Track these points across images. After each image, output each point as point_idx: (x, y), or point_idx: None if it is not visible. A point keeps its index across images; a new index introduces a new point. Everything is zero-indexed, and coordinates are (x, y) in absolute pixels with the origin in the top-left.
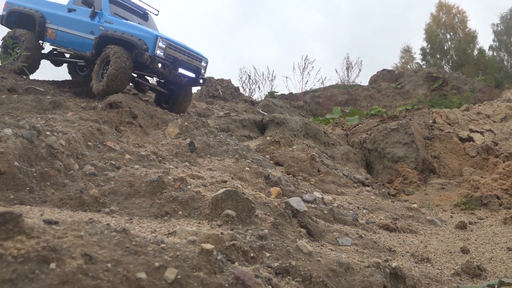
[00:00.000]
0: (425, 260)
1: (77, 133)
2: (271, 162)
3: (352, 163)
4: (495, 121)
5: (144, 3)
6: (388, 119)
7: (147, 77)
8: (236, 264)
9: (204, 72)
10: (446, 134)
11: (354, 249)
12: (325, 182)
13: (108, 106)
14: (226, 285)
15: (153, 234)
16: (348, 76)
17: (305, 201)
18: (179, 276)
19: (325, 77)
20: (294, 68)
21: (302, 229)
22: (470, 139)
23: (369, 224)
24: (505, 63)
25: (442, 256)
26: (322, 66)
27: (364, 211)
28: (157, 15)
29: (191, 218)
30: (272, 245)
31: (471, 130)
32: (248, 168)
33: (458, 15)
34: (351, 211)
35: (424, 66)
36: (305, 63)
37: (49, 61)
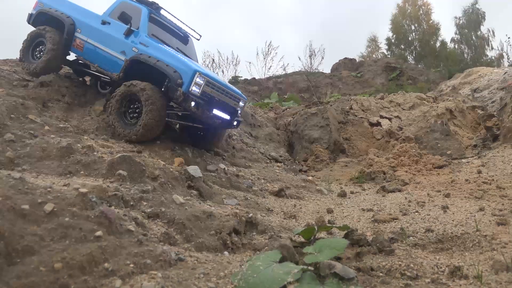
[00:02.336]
0: (292, 217)
1: (1, 106)
2: None
3: (274, 143)
4: (404, 109)
5: (188, 26)
6: (313, 104)
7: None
8: (113, 207)
9: (241, 113)
10: (359, 119)
11: (234, 207)
12: (236, 157)
13: (39, 84)
14: (92, 216)
15: (49, 184)
16: (311, 63)
17: (207, 170)
18: (55, 209)
19: (288, 64)
20: (257, 53)
21: (193, 191)
22: (378, 124)
23: (262, 191)
24: (465, 55)
25: (308, 215)
26: (292, 52)
27: (263, 181)
28: (199, 40)
29: (90, 176)
30: (151, 197)
31: (381, 116)
32: (159, 142)
33: (423, 7)
34: (250, 181)
35: (389, 56)
36: (268, 49)
37: (71, 69)
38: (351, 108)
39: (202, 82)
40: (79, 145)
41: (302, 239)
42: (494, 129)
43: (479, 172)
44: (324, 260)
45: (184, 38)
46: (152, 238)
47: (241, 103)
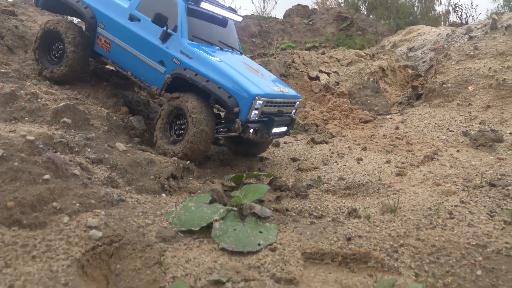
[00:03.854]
0: (227, 165)
1: None
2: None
3: None
4: (342, 65)
5: (230, 10)
6: (257, 56)
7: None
8: (59, 153)
9: (295, 113)
10: (300, 72)
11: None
12: None
13: None
14: (40, 161)
15: None
16: (264, 7)
17: (150, 118)
18: (5, 154)
19: (240, 7)
20: None
21: (136, 138)
22: (317, 78)
23: None
24: (415, 9)
25: (242, 163)
26: None
27: None
28: (240, 22)
29: (35, 123)
30: (95, 144)
31: (321, 71)
32: (102, 90)
33: None
34: None
35: (343, 5)
36: None
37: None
38: (293, 62)
39: (261, 103)
40: (22, 91)
41: (233, 184)
42: (419, 89)
43: (397, 128)
44: (247, 202)
45: (223, 21)
46: (96, 181)
47: (297, 104)
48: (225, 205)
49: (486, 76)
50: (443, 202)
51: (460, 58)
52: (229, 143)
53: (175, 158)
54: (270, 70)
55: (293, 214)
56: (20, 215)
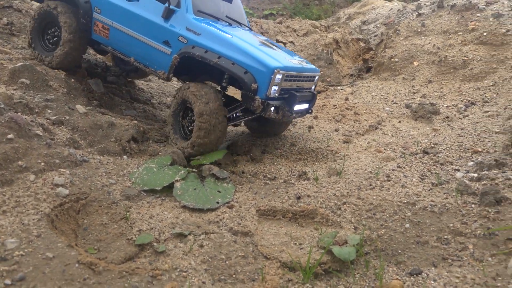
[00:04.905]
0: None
1: None
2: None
3: None
4: (298, 35)
5: None
6: None
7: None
8: (20, 113)
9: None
10: None
11: (133, 118)
12: None
13: None
14: (3, 121)
15: None
16: None
17: (108, 82)
18: None
19: None
20: None
21: (95, 101)
22: None
23: (160, 104)
24: None
25: None
26: None
27: (163, 95)
28: None
29: None
30: (55, 105)
31: (277, 40)
32: None
33: None
34: (149, 94)
35: None
36: None
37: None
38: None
39: (280, 78)
40: None
41: None
42: (369, 62)
43: (347, 99)
44: (206, 164)
45: None
46: (59, 142)
47: (316, 79)
48: (185, 167)
49: (430, 52)
50: (382, 167)
51: (408, 34)
52: (249, 123)
53: (135, 122)
54: None
55: (249, 176)
56: None
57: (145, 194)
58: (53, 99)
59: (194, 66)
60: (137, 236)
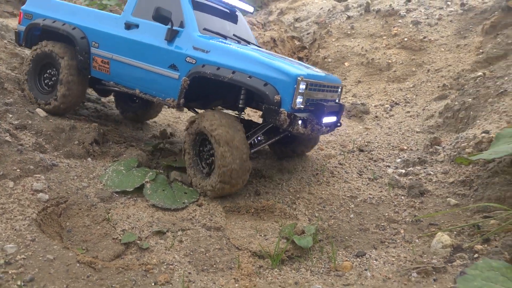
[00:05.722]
0: (139, 129)
1: None
2: None
3: None
4: None
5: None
6: None
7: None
8: None
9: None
10: None
11: (87, 118)
12: None
13: None
14: None
15: None
16: None
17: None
18: None
19: None
20: None
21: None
22: None
23: (109, 103)
24: None
25: (154, 127)
26: None
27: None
28: (252, 13)
29: None
30: (15, 109)
31: None
32: (4, 49)
33: None
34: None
35: None
36: None
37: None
38: None
39: (304, 87)
40: None
41: (151, 149)
42: (304, 60)
43: None
44: (174, 172)
45: (231, 15)
46: (27, 148)
47: (339, 91)
48: (149, 167)
49: (359, 54)
50: (326, 164)
51: (339, 35)
52: (273, 146)
53: (96, 124)
54: None
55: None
56: None
57: (117, 195)
58: (12, 102)
59: (205, 90)
60: (121, 235)
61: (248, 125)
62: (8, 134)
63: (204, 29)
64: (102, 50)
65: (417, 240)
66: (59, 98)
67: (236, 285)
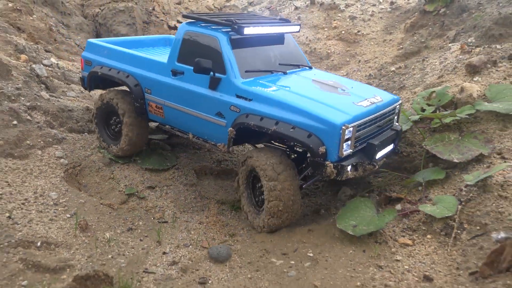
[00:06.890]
0: None
1: None
2: (14, 29)
3: (84, 33)
4: None
5: (282, 22)
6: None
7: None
8: (6, 102)
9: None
10: (160, 21)
11: (76, 99)
12: (60, 50)
13: None
14: (5, 110)
15: None
16: None
17: (44, 65)
18: None
19: None
20: None
21: (42, 85)
22: (175, 28)
23: None
24: None
25: None
26: None
27: None
28: (298, 31)
29: None
30: (25, 93)
31: (178, 21)
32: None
33: None
34: (77, 74)
35: None
36: None
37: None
38: (153, 10)
39: (351, 131)
40: None
41: None
42: None
43: None
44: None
45: (278, 37)
46: (42, 125)
47: (397, 110)
48: None
49: (304, 43)
50: None
51: None
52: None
53: (87, 105)
54: (134, 17)
55: (182, 147)
56: (10, 150)
57: (114, 161)
58: (21, 87)
59: (253, 133)
60: (124, 189)
61: (299, 158)
62: (27, 114)
63: (246, 71)
64: (155, 96)
65: None
66: (123, 141)
67: (207, 219)
